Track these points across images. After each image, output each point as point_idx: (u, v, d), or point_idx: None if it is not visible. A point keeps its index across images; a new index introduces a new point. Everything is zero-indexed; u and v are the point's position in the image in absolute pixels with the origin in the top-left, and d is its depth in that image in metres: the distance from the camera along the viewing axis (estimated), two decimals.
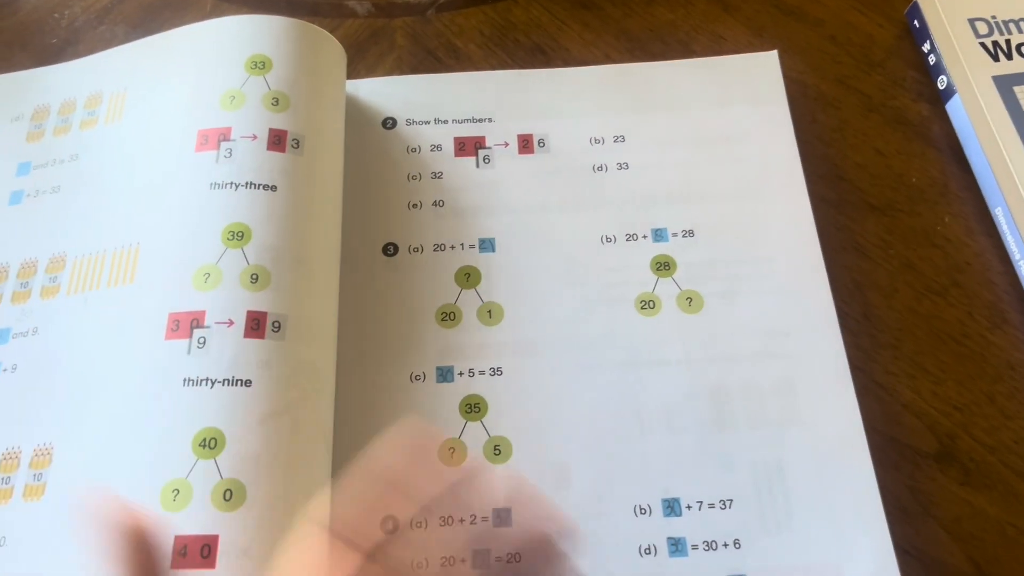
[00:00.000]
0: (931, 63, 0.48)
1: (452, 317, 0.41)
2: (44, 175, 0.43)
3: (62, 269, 0.40)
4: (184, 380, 0.34)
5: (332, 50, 0.43)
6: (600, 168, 0.45)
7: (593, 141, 0.45)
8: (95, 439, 0.35)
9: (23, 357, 0.38)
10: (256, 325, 0.36)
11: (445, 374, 0.40)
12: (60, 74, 0.46)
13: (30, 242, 0.41)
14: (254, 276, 0.36)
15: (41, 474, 0.35)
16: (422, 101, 0.46)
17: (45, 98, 0.45)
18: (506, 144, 0.45)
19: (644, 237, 0.43)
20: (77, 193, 0.42)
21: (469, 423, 0.39)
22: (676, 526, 0.36)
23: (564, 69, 0.48)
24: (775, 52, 0.47)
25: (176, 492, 0.33)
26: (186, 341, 0.35)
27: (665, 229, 0.43)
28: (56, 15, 0.51)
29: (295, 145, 0.40)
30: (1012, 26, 0.47)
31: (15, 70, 0.47)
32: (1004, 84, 0.46)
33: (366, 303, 0.41)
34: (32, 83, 0.46)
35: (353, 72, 0.48)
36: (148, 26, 0.50)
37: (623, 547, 0.36)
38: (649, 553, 0.36)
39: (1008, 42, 0.47)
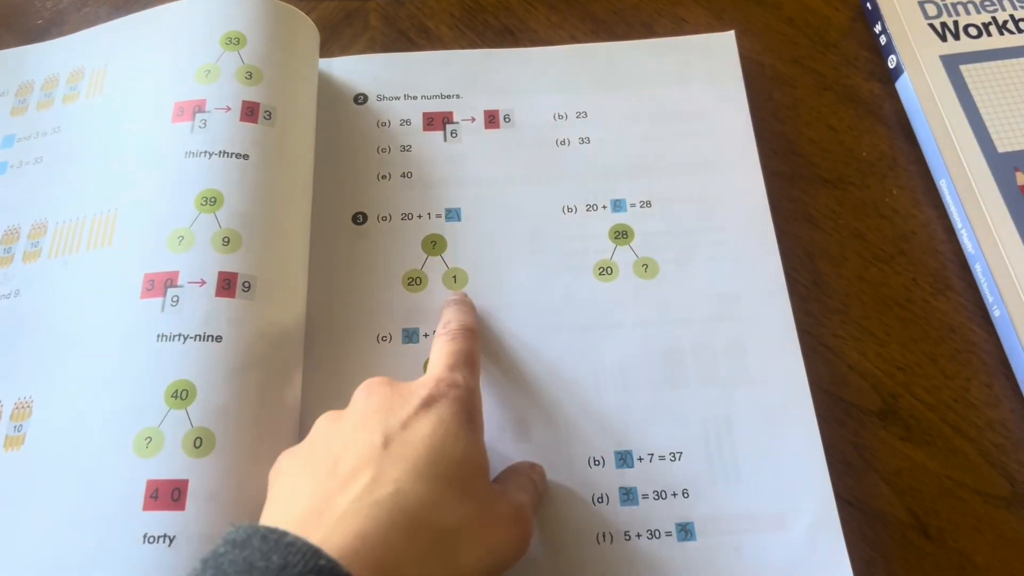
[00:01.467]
0: (882, 43, 0.50)
1: (418, 282, 0.43)
2: (27, 147, 0.44)
3: (44, 235, 0.41)
4: (158, 336, 0.36)
5: (304, 28, 0.45)
6: (563, 142, 0.46)
7: (557, 117, 0.47)
8: (72, 392, 0.36)
9: (5, 317, 0.40)
10: (227, 285, 0.38)
11: (411, 335, 0.41)
12: (44, 52, 0.48)
13: (13, 210, 0.43)
14: (226, 239, 0.38)
15: (21, 426, 0.37)
16: (392, 78, 0.48)
17: (29, 75, 0.47)
18: (473, 119, 0.47)
19: (604, 207, 0.45)
20: (59, 163, 0.43)
21: None
22: (628, 477, 0.38)
23: (530, 48, 0.50)
24: (732, 32, 0.49)
25: (149, 440, 0.34)
26: (160, 299, 0.37)
27: (624, 200, 0.45)
28: None
29: (267, 117, 0.41)
30: (959, 8, 0.49)
31: (1, 50, 0.49)
32: (951, 63, 0.47)
33: (336, 268, 0.43)
34: (17, 61, 0.48)
35: (328, 52, 0.50)
36: (130, 7, 0.52)
37: (578, 496, 0.38)
38: (602, 501, 0.38)
39: (955, 23, 0.49)
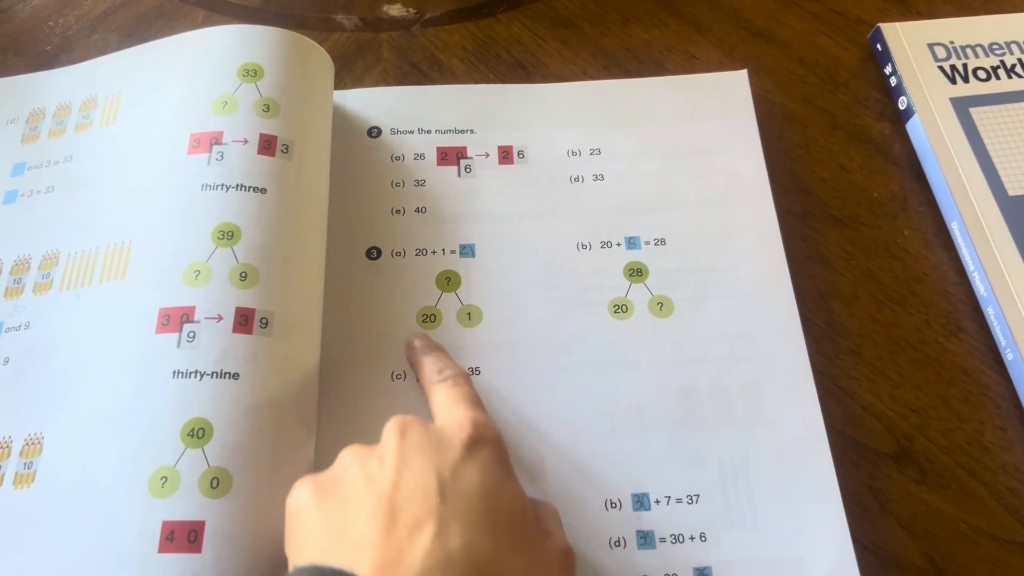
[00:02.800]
0: (892, 85, 0.50)
1: (432, 319, 0.42)
2: (38, 176, 0.44)
3: (55, 266, 0.41)
4: (174, 372, 0.36)
5: (321, 60, 0.45)
6: (577, 179, 0.47)
7: (570, 153, 0.47)
8: (85, 428, 0.36)
9: (15, 350, 0.39)
10: (244, 321, 0.37)
11: None
12: (56, 79, 0.47)
13: (24, 240, 0.42)
14: (243, 274, 0.38)
15: (31, 463, 0.36)
16: (406, 112, 0.48)
17: (40, 102, 0.47)
18: (487, 155, 0.47)
19: (618, 244, 0.45)
20: (71, 193, 0.43)
21: None
22: (645, 520, 0.38)
23: (543, 84, 0.50)
24: (745, 71, 0.50)
25: (164, 479, 0.34)
26: (176, 335, 0.36)
27: (638, 237, 0.45)
28: (50, 23, 0.53)
29: (284, 150, 0.41)
30: (969, 51, 0.50)
31: (9, 75, 0.49)
32: (961, 105, 0.48)
33: (350, 304, 0.43)
34: (28, 87, 0.47)
35: (340, 83, 0.50)
36: (141, 35, 0.52)
37: (594, 539, 0.38)
38: (619, 545, 0.38)
39: (965, 66, 0.49)
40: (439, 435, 0.33)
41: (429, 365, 0.39)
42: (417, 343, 0.41)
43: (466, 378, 0.38)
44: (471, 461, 0.32)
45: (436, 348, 0.41)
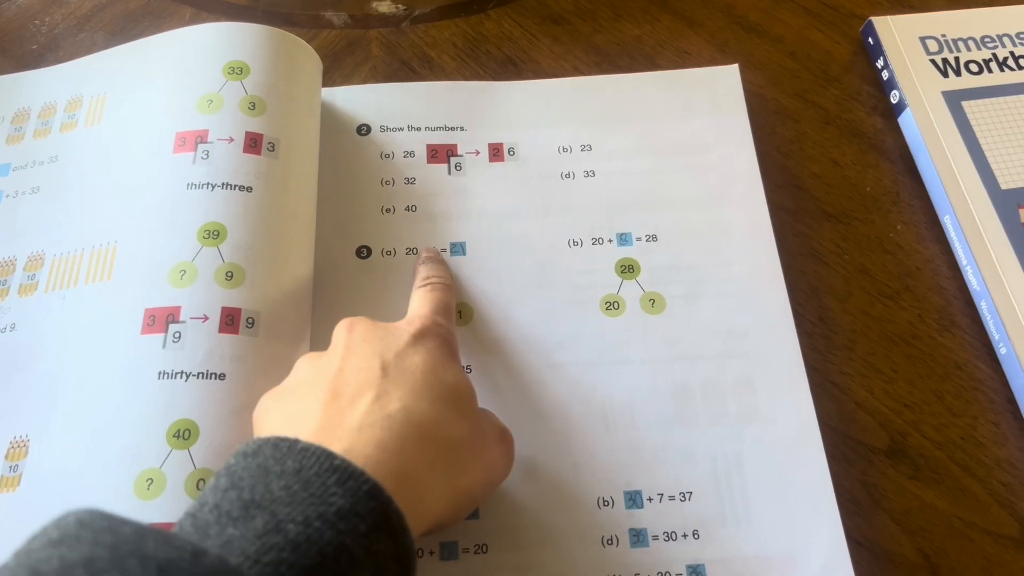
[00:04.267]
0: (884, 79, 0.50)
1: None
2: (24, 176, 0.43)
3: (40, 267, 0.40)
4: (159, 373, 0.35)
5: (308, 57, 0.45)
6: (568, 175, 0.46)
7: (561, 150, 0.47)
8: (71, 431, 0.35)
9: (0, 352, 0.39)
10: (231, 321, 0.37)
11: None
12: (41, 79, 0.47)
13: (8, 241, 0.42)
14: (229, 274, 0.38)
15: (16, 466, 0.36)
16: (396, 109, 0.48)
17: (25, 102, 0.46)
18: (477, 152, 0.47)
19: (609, 241, 0.44)
20: (56, 194, 0.42)
21: None
22: (638, 518, 0.38)
23: (533, 81, 0.49)
24: (736, 66, 0.49)
25: (150, 481, 0.33)
26: (162, 336, 0.36)
27: (630, 234, 0.44)
28: (36, 22, 0.52)
29: (271, 148, 0.41)
30: (961, 44, 0.50)
31: None
32: (953, 99, 0.48)
33: (340, 303, 0.42)
34: (12, 87, 0.47)
35: (329, 80, 0.49)
36: (127, 34, 0.52)
37: (587, 537, 0.37)
38: (611, 543, 0.37)
39: (957, 59, 0.49)
40: (387, 329, 0.34)
41: (420, 272, 0.41)
42: (424, 254, 0.43)
43: (445, 287, 0.40)
44: (414, 347, 0.33)
45: (435, 260, 0.42)
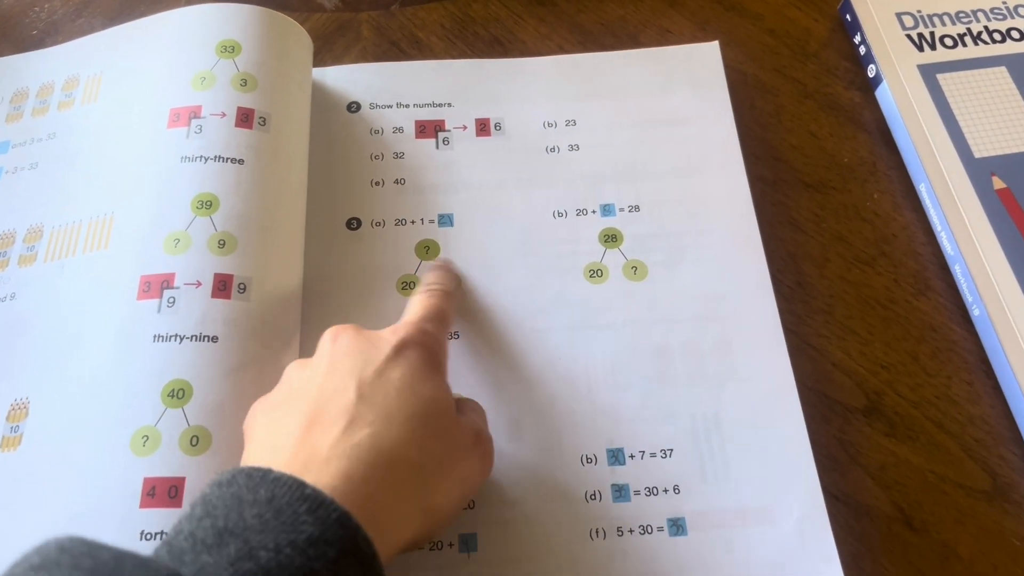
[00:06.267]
0: (862, 53, 0.51)
1: (412, 286, 0.43)
2: (23, 153, 0.45)
3: (39, 239, 0.42)
4: (154, 336, 0.37)
5: (298, 36, 0.46)
6: (552, 149, 0.47)
7: (546, 125, 0.48)
8: (69, 392, 0.37)
9: (1, 320, 0.40)
10: (223, 286, 0.38)
11: None
12: (38, 59, 0.48)
13: (8, 215, 0.43)
14: (221, 242, 0.39)
15: (17, 426, 0.37)
16: (385, 87, 0.49)
17: (24, 82, 0.47)
18: (464, 127, 0.48)
19: (593, 212, 0.45)
20: (54, 169, 0.44)
21: None
22: (620, 474, 0.39)
23: (520, 59, 0.51)
24: (716, 43, 0.50)
25: (146, 438, 0.35)
26: (156, 301, 0.37)
27: (613, 204, 0.46)
28: (36, 8, 0.54)
29: (262, 123, 0.42)
30: (936, 19, 0.51)
31: None
32: (928, 72, 0.49)
33: (331, 273, 0.43)
34: (11, 69, 0.48)
35: (320, 62, 0.51)
36: (125, 18, 0.52)
37: (571, 493, 0.38)
38: (594, 498, 0.38)
39: (932, 34, 0.50)
40: (370, 338, 0.35)
41: (425, 279, 0.41)
42: (435, 262, 0.43)
43: (444, 293, 0.40)
44: (395, 360, 0.33)
45: (441, 267, 0.42)
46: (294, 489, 0.27)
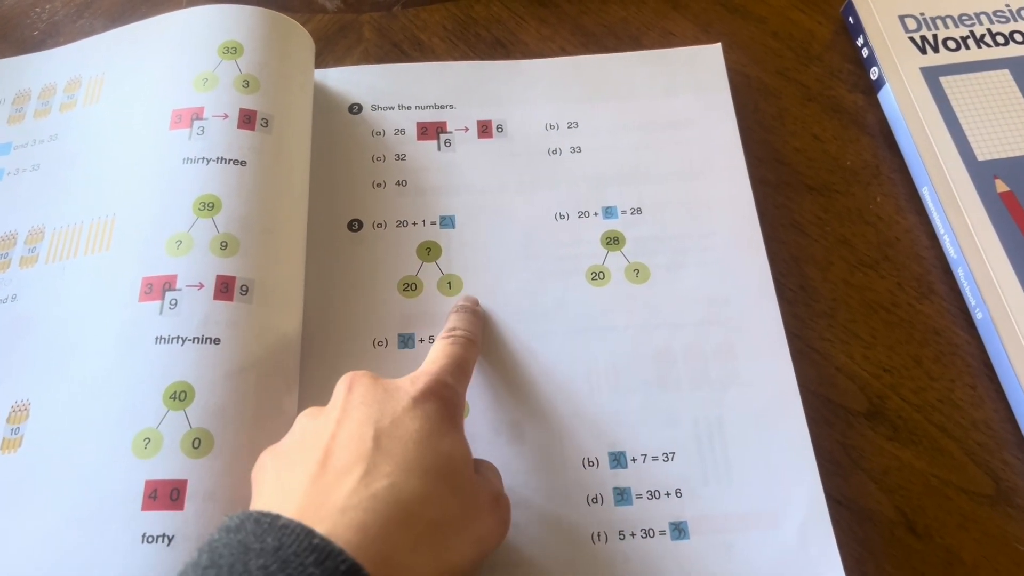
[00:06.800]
0: (864, 56, 0.51)
1: (413, 287, 0.43)
2: (24, 154, 0.45)
3: (41, 240, 0.42)
4: (156, 338, 0.37)
5: (300, 38, 0.46)
6: (555, 151, 0.47)
7: (548, 127, 0.48)
8: (71, 394, 0.37)
9: (2, 321, 0.40)
10: (225, 288, 0.38)
11: (407, 340, 0.42)
12: (41, 61, 0.48)
13: (10, 217, 0.43)
14: (223, 243, 0.39)
15: (18, 428, 0.37)
16: (387, 89, 0.49)
17: (26, 83, 0.47)
18: (466, 129, 0.48)
19: (595, 214, 0.45)
20: (56, 170, 0.44)
21: None
22: (622, 477, 0.39)
23: (521, 61, 0.51)
24: (719, 45, 0.50)
25: (147, 441, 0.35)
26: (158, 303, 0.37)
27: (615, 207, 0.46)
28: (37, 9, 0.54)
29: (264, 124, 0.42)
30: (939, 22, 0.51)
31: None
32: (931, 75, 0.49)
33: (332, 274, 0.43)
34: (13, 70, 0.48)
35: (322, 63, 0.51)
36: (126, 20, 0.52)
37: (572, 497, 0.38)
38: (596, 502, 0.38)
39: (935, 36, 0.50)
40: (387, 388, 0.33)
41: (449, 321, 0.40)
42: (460, 301, 0.42)
43: (468, 342, 0.38)
44: (413, 411, 0.32)
45: (468, 310, 0.41)
46: (302, 538, 0.26)
